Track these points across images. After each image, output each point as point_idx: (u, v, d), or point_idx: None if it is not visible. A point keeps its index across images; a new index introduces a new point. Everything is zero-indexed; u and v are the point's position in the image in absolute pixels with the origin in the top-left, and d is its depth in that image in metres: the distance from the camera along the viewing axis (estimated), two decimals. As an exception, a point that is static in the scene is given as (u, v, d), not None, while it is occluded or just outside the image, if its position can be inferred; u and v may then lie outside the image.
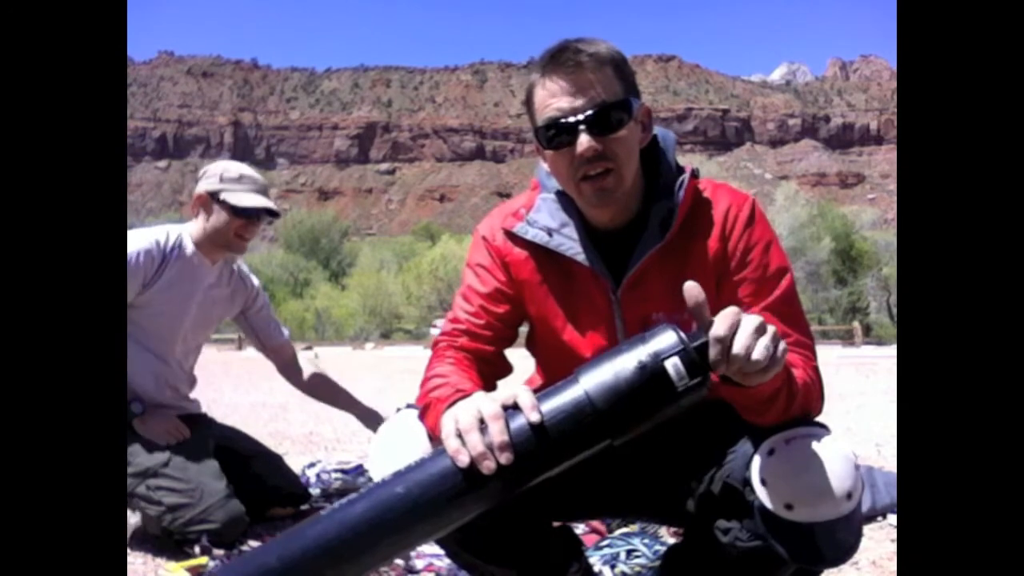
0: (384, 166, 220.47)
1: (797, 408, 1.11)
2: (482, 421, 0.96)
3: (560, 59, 1.17)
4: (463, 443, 0.95)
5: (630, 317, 1.25)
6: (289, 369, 2.62)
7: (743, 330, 0.94)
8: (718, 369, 0.96)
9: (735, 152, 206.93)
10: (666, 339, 0.95)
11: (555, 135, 1.18)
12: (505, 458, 0.93)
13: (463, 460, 0.93)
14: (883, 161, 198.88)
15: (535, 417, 0.94)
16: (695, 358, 0.94)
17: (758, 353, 0.93)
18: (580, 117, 1.15)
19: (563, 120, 1.16)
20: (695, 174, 1.26)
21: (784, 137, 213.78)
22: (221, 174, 2.29)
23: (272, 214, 2.31)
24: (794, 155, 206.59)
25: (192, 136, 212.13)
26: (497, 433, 0.94)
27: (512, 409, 0.97)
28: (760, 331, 0.94)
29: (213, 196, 2.26)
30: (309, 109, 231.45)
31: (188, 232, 2.30)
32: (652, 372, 0.93)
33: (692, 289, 0.96)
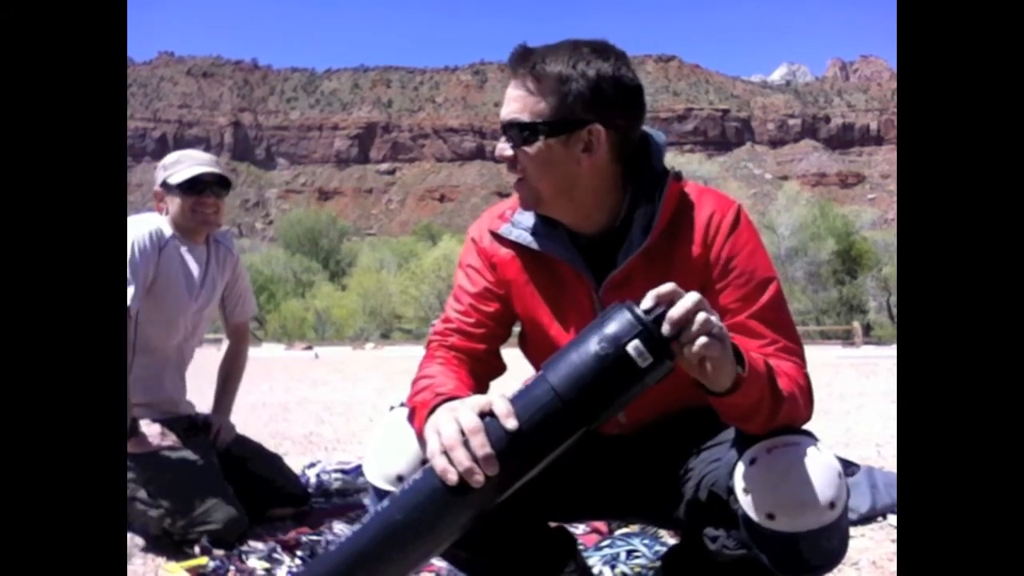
0: (384, 166, 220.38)
1: (783, 417, 1.11)
2: (463, 433, 0.98)
3: (510, 64, 1.21)
4: (449, 460, 0.97)
5: None
6: (233, 338, 2.64)
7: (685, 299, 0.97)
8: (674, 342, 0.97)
9: (735, 152, 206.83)
10: (622, 320, 0.96)
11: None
12: (491, 470, 0.96)
13: (452, 479, 0.96)
14: (883, 161, 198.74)
15: (512, 424, 0.97)
16: (655, 335, 0.95)
17: (700, 318, 0.96)
18: (503, 125, 1.21)
19: (501, 123, 1.22)
20: (677, 176, 1.26)
21: (784, 137, 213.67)
22: (163, 164, 2.35)
23: (220, 182, 2.31)
24: (794, 155, 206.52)
25: (192, 136, 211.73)
26: (479, 447, 0.96)
27: (490, 416, 0.99)
28: (699, 304, 0.97)
29: (163, 186, 2.32)
30: (309, 109, 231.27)
31: (165, 225, 2.32)
32: (615, 358, 0.94)
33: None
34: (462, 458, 0.96)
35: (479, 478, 0.95)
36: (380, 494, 1.21)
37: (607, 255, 1.25)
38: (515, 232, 1.30)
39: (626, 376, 0.95)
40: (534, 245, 1.28)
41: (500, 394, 1.02)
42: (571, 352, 0.97)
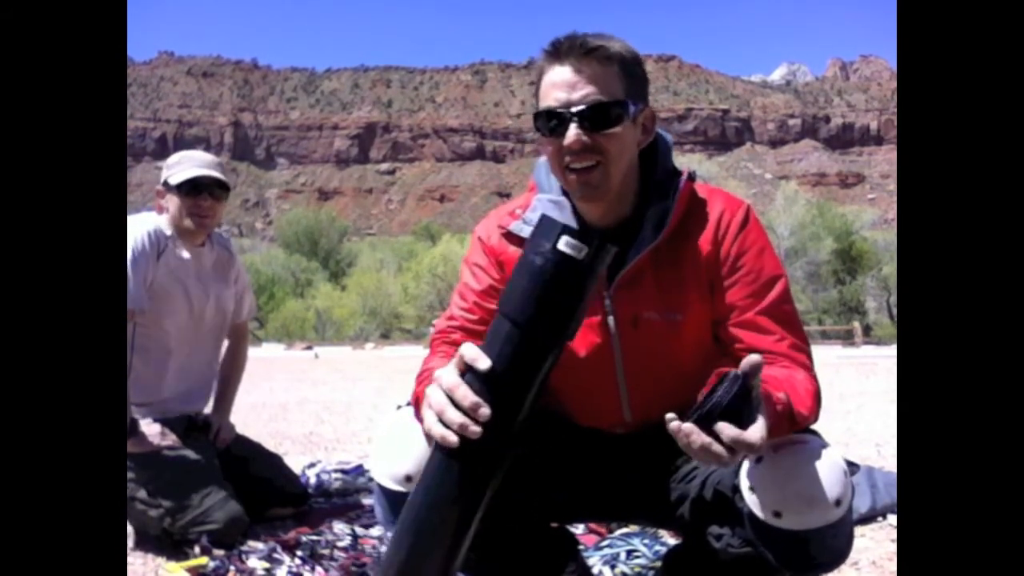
0: (384, 166, 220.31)
1: (795, 428, 1.12)
2: (448, 395, 0.98)
3: (567, 49, 1.19)
4: (444, 425, 0.97)
5: (622, 315, 1.26)
6: (233, 338, 2.65)
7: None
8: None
9: (735, 152, 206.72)
10: (543, 225, 0.97)
11: (549, 123, 1.21)
12: (482, 415, 0.94)
13: (452, 440, 0.95)
14: (883, 161, 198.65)
15: (484, 364, 0.96)
16: (581, 226, 0.95)
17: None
18: (573, 110, 1.18)
19: (558, 110, 1.19)
20: (691, 177, 1.27)
21: (784, 137, 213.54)
22: (167, 164, 2.36)
23: (218, 185, 2.32)
24: (794, 155, 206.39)
25: (192, 136, 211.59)
26: (463, 398, 0.96)
27: (468, 370, 0.99)
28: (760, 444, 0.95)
29: (164, 185, 2.33)
30: (309, 109, 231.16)
31: (164, 225, 2.33)
32: (553, 261, 0.94)
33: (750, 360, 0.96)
34: (453, 416, 0.96)
35: (475, 428, 0.94)
36: (388, 495, 1.21)
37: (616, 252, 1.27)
38: (527, 230, 1.30)
39: (572, 274, 0.95)
40: None
41: (468, 343, 1.01)
42: (514, 280, 0.98)
